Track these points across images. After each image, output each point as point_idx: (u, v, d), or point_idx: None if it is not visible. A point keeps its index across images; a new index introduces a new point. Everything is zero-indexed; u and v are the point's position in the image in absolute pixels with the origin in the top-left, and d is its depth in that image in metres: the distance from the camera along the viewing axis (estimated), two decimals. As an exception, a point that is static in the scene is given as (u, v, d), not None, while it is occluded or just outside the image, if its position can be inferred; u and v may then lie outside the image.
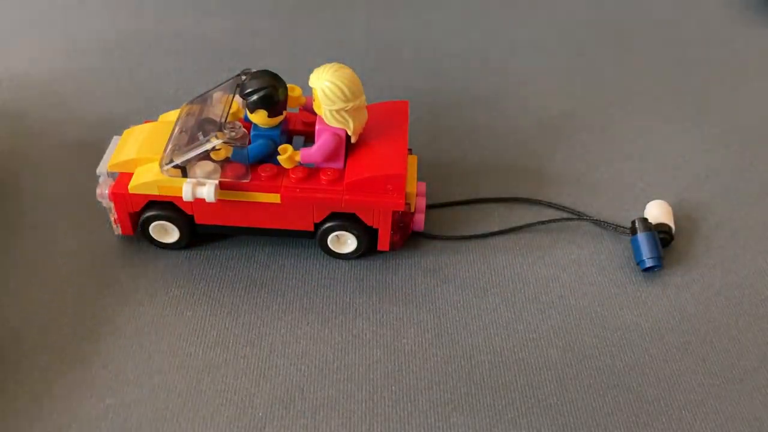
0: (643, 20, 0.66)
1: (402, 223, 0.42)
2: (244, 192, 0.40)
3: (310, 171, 0.40)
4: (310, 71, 0.61)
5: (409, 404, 0.37)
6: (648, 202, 0.47)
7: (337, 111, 0.38)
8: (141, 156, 0.40)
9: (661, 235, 0.43)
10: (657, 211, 0.45)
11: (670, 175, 0.50)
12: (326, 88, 0.38)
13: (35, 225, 0.45)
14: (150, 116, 0.52)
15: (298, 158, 0.40)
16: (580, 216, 0.46)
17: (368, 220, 0.41)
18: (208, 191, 0.39)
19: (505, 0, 0.69)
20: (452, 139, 0.53)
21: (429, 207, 0.46)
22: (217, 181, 0.39)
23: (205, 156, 0.38)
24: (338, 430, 0.36)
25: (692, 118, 0.55)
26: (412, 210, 0.42)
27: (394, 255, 0.44)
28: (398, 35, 0.63)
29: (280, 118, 0.40)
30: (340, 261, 0.43)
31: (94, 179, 0.46)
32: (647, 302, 0.42)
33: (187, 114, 0.41)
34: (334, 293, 0.42)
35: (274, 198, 0.40)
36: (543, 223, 0.46)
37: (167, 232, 0.42)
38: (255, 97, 0.39)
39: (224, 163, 0.39)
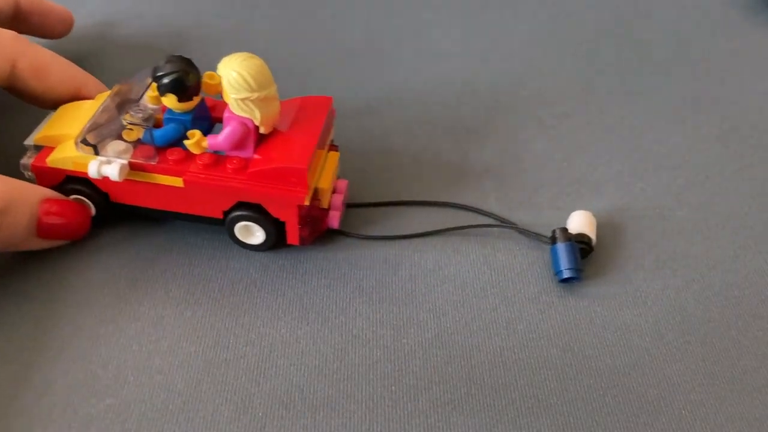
0: (643, 20, 0.66)
1: (310, 218, 0.42)
2: (150, 174, 0.41)
3: (218, 158, 0.41)
4: (311, 71, 0.62)
5: (409, 404, 0.37)
6: (637, 198, 0.47)
7: (242, 100, 0.39)
8: (65, 132, 0.42)
9: (580, 246, 0.43)
10: (578, 222, 0.44)
11: (670, 175, 0.50)
12: (231, 77, 0.38)
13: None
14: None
15: (205, 144, 0.40)
16: (503, 223, 0.46)
17: (275, 212, 0.41)
18: (112, 170, 0.40)
19: (505, 1, 0.69)
20: (451, 139, 0.53)
21: (353, 206, 0.46)
22: (123, 161, 0.40)
23: (118, 136, 0.40)
24: (338, 430, 0.36)
25: (692, 117, 0.55)
26: (325, 206, 0.43)
27: (394, 255, 0.44)
28: (398, 35, 0.63)
29: (192, 104, 0.41)
30: (340, 261, 0.43)
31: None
32: (647, 302, 0.42)
33: (115, 94, 0.43)
34: (334, 293, 0.42)
35: (178, 182, 0.41)
36: (464, 228, 0.45)
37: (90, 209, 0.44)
38: (164, 81, 0.39)
39: (137, 144, 0.40)
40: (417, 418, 0.36)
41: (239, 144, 0.40)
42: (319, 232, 0.43)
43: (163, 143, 0.41)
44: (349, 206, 0.46)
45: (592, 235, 0.43)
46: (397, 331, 0.40)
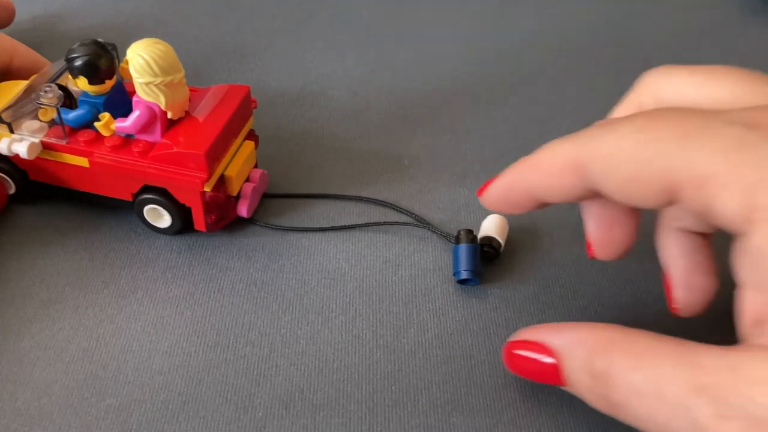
0: (643, 20, 0.66)
1: (214, 205, 0.42)
2: (59, 153, 0.42)
3: (126, 141, 0.42)
4: (311, 71, 0.62)
5: (409, 404, 0.37)
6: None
7: (147, 84, 0.39)
8: None
9: (486, 248, 0.43)
10: (489, 225, 0.44)
11: (670, 175, 0.50)
12: (136, 62, 0.39)
13: (35, 225, 0.45)
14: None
15: (113, 127, 0.41)
16: (418, 221, 0.46)
17: (179, 197, 0.42)
18: (22, 147, 0.41)
19: (505, 1, 0.69)
20: (452, 139, 0.53)
21: (271, 196, 0.47)
22: (34, 140, 0.41)
23: (35, 116, 0.42)
24: (338, 430, 0.36)
25: (692, 118, 0.55)
26: (233, 194, 0.43)
27: (394, 254, 0.44)
28: (398, 35, 0.63)
29: (104, 87, 0.42)
30: (341, 261, 0.43)
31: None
32: (647, 302, 0.42)
33: (41, 74, 0.44)
34: (334, 293, 0.42)
35: (84, 162, 0.42)
36: (383, 224, 0.46)
37: (7, 186, 0.45)
38: (75, 63, 0.40)
39: (52, 123, 0.42)
40: (417, 418, 0.36)
41: (146, 128, 0.41)
42: (227, 219, 0.44)
43: (75, 124, 0.42)
44: (267, 197, 0.47)
45: (501, 240, 0.43)
46: (397, 331, 0.40)
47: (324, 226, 0.45)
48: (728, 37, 0.64)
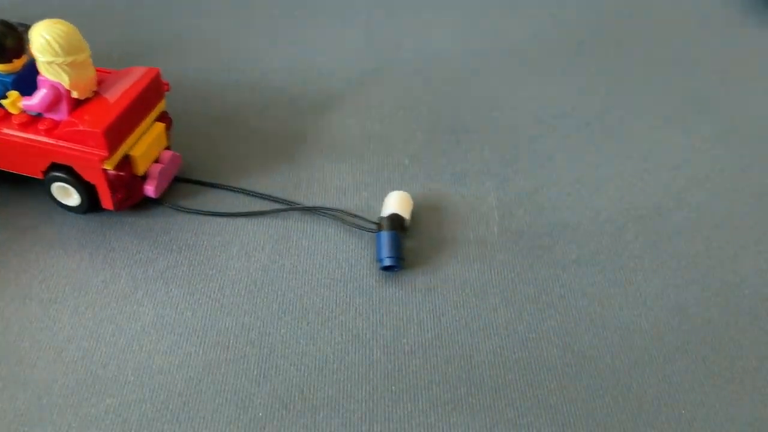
0: (643, 20, 0.66)
1: (120, 183, 0.43)
2: None
3: (34, 119, 0.42)
4: (311, 71, 0.62)
5: (409, 404, 0.37)
6: (638, 198, 0.47)
7: (49, 63, 0.40)
8: None
9: (385, 222, 0.44)
10: (393, 202, 0.45)
11: (670, 175, 0.50)
12: (38, 42, 0.40)
13: (35, 225, 0.45)
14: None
15: (20, 104, 0.42)
16: (331, 210, 0.46)
17: (85, 175, 0.43)
18: None
19: (505, 1, 0.69)
20: (452, 139, 0.53)
21: (186, 180, 0.48)
22: None
23: None
24: (338, 430, 0.36)
25: (692, 118, 0.55)
26: (139, 174, 0.44)
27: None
28: (398, 35, 0.63)
29: (13, 66, 0.42)
30: (341, 261, 0.43)
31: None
32: (647, 302, 0.42)
33: None
34: (334, 293, 0.42)
35: None
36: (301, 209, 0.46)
37: None
38: None
39: None
40: (417, 418, 0.36)
41: (51, 106, 0.41)
42: (135, 199, 0.45)
43: None
44: (181, 180, 0.48)
45: (407, 215, 0.44)
46: (397, 331, 0.40)
47: (244, 211, 0.46)
48: (728, 37, 0.64)
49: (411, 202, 0.45)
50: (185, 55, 0.60)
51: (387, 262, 0.42)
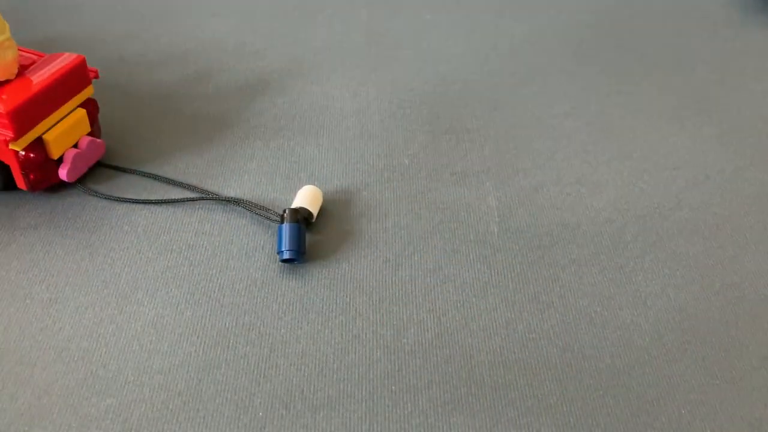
0: (643, 20, 0.66)
1: (32, 165, 0.44)
2: None
3: None
4: (311, 71, 0.62)
5: (409, 404, 0.37)
6: (638, 198, 0.47)
7: None
8: None
9: (288, 213, 0.44)
10: (303, 195, 0.45)
11: (670, 175, 0.50)
12: None
13: (35, 225, 0.45)
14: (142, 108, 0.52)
15: None
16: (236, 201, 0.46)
17: None
18: None
19: (505, 1, 0.69)
20: (453, 138, 0.53)
21: (107, 166, 0.49)
22: None
23: None
24: (338, 430, 0.36)
25: (692, 118, 0.55)
26: (53, 157, 0.45)
27: (394, 254, 0.44)
28: (398, 35, 0.63)
29: None
30: (341, 261, 0.43)
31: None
32: (647, 302, 0.42)
33: None
34: (334, 293, 0.42)
35: None
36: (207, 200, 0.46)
37: None
38: None
39: None
40: (417, 418, 0.36)
41: None
42: (49, 181, 0.46)
43: None
44: (104, 166, 0.49)
45: (314, 209, 0.45)
46: (397, 331, 0.40)
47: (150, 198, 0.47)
48: (728, 37, 0.64)
49: (321, 198, 0.46)
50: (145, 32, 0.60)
51: (286, 255, 0.42)
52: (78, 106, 0.46)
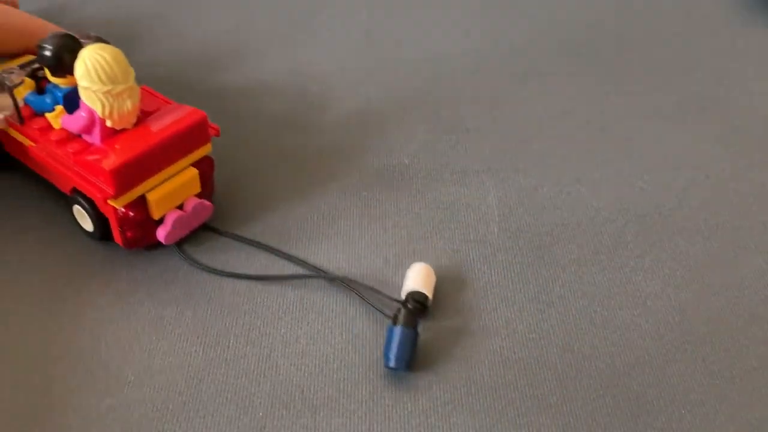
0: (643, 20, 0.66)
1: (130, 223, 0.41)
2: (17, 133, 0.43)
3: (72, 137, 0.41)
4: (311, 71, 0.62)
5: (409, 404, 0.37)
6: (638, 198, 0.47)
7: (85, 89, 0.39)
8: None
9: (416, 305, 0.39)
10: (416, 277, 0.40)
11: (670, 175, 0.50)
12: (78, 64, 0.38)
13: (36, 225, 0.45)
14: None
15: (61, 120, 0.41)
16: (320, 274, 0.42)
17: (100, 206, 0.41)
18: None
19: (505, 0, 0.69)
20: (453, 138, 0.53)
21: (213, 230, 0.45)
22: (1, 115, 0.43)
23: (10, 93, 0.42)
24: (338, 430, 0.36)
25: (692, 118, 0.55)
26: (154, 218, 0.41)
27: (394, 254, 0.44)
28: (398, 35, 0.63)
29: (69, 81, 0.41)
30: (341, 261, 0.43)
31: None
32: (647, 302, 0.42)
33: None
34: (334, 293, 0.42)
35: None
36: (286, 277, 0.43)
37: None
38: (41, 53, 0.41)
39: (23, 104, 0.43)
40: (417, 418, 0.36)
41: (84, 129, 0.40)
42: (147, 241, 0.42)
43: (36, 109, 0.42)
44: (210, 230, 0.45)
45: (429, 293, 0.40)
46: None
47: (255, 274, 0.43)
48: (728, 37, 0.64)
49: (434, 277, 0.41)
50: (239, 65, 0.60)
51: (392, 364, 0.37)
52: (191, 164, 0.42)
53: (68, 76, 0.41)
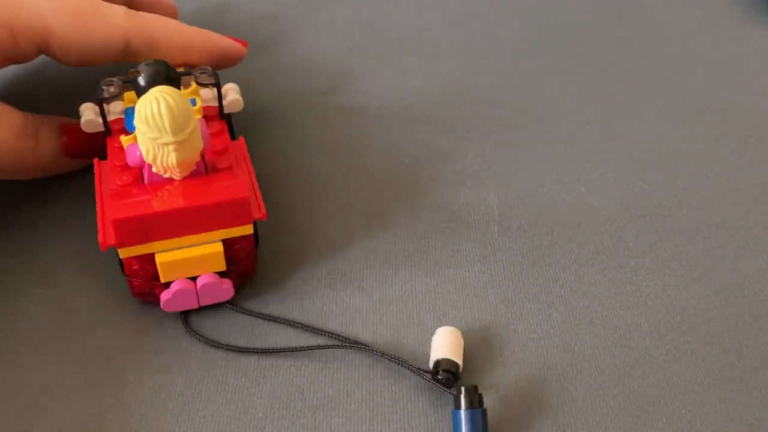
0: (643, 20, 0.66)
1: (133, 274, 0.38)
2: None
3: (132, 167, 0.39)
4: (311, 71, 0.61)
5: (409, 404, 0.37)
6: (638, 198, 0.46)
7: (137, 127, 0.36)
8: None
9: (446, 376, 0.36)
10: (443, 343, 0.37)
11: (670, 175, 0.50)
12: (138, 104, 0.36)
13: (36, 223, 0.45)
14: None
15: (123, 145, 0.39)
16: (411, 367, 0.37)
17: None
18: (83, 118, 0.43)
19: (505, 0, 0.69)
20: (453, 138, 0.53)
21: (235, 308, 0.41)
22: (93, 118, 0.43)
23: (99, 104, 0.42)
24: (338, 430, 0.36)
25: (692, 118, 0.55)
26: (161, 281, 0.38)
27: (395, 255, 0.44)
28: (398, 35, 0.63)
29: None
30: (340, 262, 0.43)
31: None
32: (647, 302, 0.42)
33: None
34: (334, 293, 0.42)
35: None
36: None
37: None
38: (136, 76, 0.40)
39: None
40: (417, 418, 0.36)
41: (135, 164, 0.38)
42: (155, 299, 0.40)
43: (127, 126, 0.42)
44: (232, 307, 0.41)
45: (458, 359, 0.37)
46: (397, 331, 0.40)
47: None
48: (728, 37, 0.64)
49: (461, 341, 0.38)
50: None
51: None
52: (222, 239, 0.38)
53: None
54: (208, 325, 0.40)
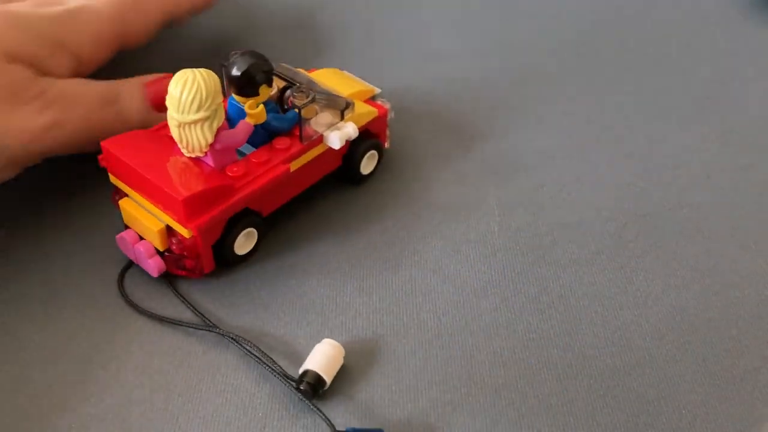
0: (643, 20, 0.66)
1: (175, 253, 0.40)
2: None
3: (269, 155, 0.42)
4: (310, 71, 0.61)
5: (409, 404, 0.37)
6: (638, 198, 0.46)
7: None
8: None
9: (304, 386, 0.36)
10: (319, 357, 0.37)
11: (670, 175, 0.50)
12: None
13: (36, 221, 0.45)
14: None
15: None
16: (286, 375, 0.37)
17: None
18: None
19: (505, 0, 0.69)
20: (454, 137, 0.53)
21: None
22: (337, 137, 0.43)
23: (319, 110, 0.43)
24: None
25: (692, 118, 0.55)
26: (183, 252, 0.40)
27: (394, 254, 0.44)
28: (398, 35, 0.63)
29: (257, 99, 0.41)
30: (341, 261, 0.43)
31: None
32: (647, 302, 0.42)
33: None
34: (334, 293, 0.42)
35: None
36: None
37: None
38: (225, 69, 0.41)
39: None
40: (417, 418, 0.36)
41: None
42: (183, 271, 0.41)
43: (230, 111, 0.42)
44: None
45: (328, 376, 0.36)
46: (397, 332, 0.40)
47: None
48: (728, 37, 0.64)
49: (340, 359, 0.38)
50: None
51: None
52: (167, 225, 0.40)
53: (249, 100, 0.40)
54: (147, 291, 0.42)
